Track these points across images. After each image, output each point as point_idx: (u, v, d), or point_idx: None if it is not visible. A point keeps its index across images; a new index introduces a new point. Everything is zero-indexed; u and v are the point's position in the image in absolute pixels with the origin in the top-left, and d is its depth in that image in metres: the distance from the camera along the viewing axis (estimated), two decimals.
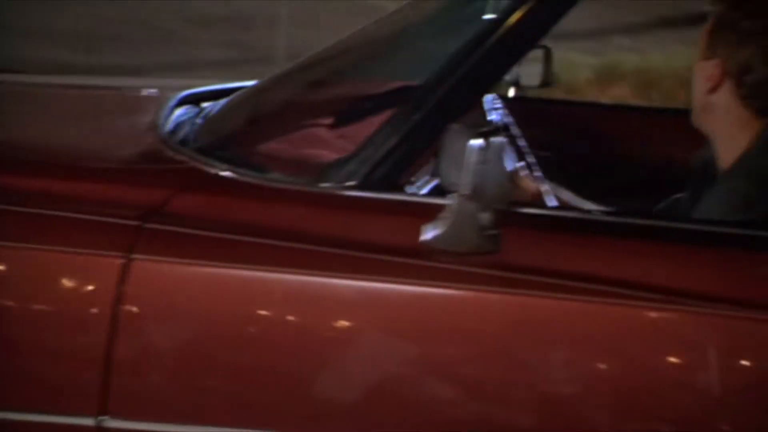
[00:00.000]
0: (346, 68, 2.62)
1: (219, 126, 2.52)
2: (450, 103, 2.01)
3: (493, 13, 2.14)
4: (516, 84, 3.15)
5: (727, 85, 2.22)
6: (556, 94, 6.62)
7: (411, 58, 2.39)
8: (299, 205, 2.05)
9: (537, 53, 3.08)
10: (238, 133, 2.48)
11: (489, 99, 2.62)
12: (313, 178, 2.09)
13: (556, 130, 3.14)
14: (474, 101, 2.03)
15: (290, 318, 1.96)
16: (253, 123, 2.55)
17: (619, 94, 7.34)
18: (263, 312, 1.96)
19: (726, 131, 2.24)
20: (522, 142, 2.61)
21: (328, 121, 2.46)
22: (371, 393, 1.94)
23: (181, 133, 2.40)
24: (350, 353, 1.95)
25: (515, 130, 2.63)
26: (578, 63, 7.80)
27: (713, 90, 2.23)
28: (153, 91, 2.85)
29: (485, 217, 1.89)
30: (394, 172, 2.05)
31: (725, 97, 2.22)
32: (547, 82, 3.18)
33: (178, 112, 2.55)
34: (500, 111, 2.64)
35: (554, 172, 2.65)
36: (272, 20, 8.31)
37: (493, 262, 1.93)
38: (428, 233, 1.94)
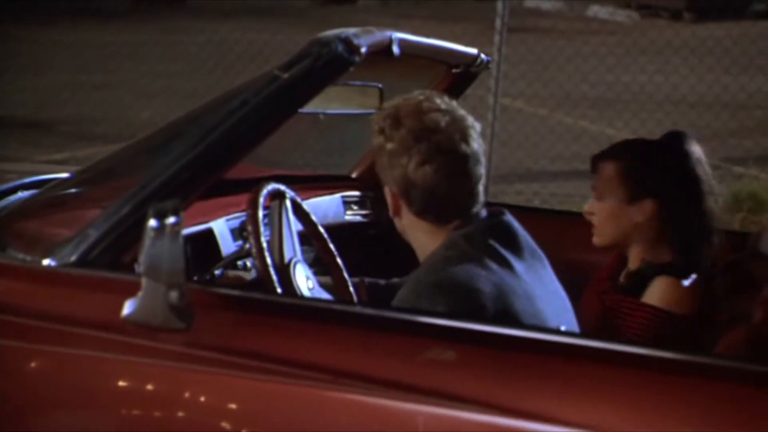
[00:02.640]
0: (118, 163, 2.77)
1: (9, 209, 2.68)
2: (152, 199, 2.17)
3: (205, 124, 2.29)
4: None
5: (403, 206, 2.33)
6: (763, 219, 6.70)
7: (151, 158, 2.53)
8: (20, 280, 2.21)
9: None
10: (12, 212, 2.64)
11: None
12: (40, 256, 2.23)
13: None
14: (182, 195, 2.18)
15: None
16: (28, 205, 2.70)
17: None
18: None
19: (420, 243, 2.35)
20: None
21: (92, 205, 2.59)
22: None
23: None
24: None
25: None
26: None
27: (396, 214, 2.36)
28: None
29: (174, 294, 2.03)
30: (111, 252, 2.20)
31: (407, 217, 2.34)
32: None
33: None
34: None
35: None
36: None
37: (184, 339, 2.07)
38: (126, 308, 2.07)
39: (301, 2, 16.90)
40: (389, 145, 2.30)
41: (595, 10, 16.77)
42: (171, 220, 1.97)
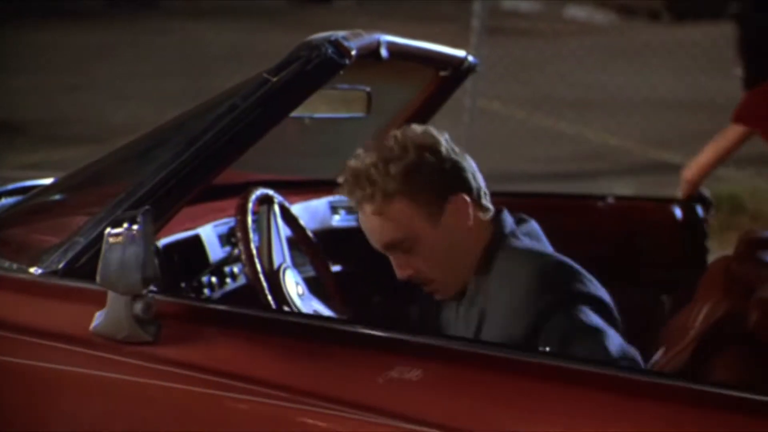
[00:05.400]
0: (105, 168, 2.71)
1: None
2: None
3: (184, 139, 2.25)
4: None
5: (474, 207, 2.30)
6: (743, 221, 6.74)
7: (139, 164, 2.45)
8: (7, 289, 2.16)
9: None
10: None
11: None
12: (27, 265, 2.18)
13: None
14: (171, 201, 2.16)
15: None
16: (13, 212, 2.64)
17: None
18: None
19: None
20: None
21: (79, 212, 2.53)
22: None
23: None
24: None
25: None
26: (764, 189, 7.64)
27: (476, 219, 2.30)
28: None
29: (138, 306, 1.97)
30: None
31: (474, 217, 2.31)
32: None
33: None
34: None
35: None
36: None
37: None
38: (94, 321, 2.02)
39: (276, 2, 16.85)
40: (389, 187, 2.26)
41: (573, 11, 16.79)
42: (128, 228, 1.93)
